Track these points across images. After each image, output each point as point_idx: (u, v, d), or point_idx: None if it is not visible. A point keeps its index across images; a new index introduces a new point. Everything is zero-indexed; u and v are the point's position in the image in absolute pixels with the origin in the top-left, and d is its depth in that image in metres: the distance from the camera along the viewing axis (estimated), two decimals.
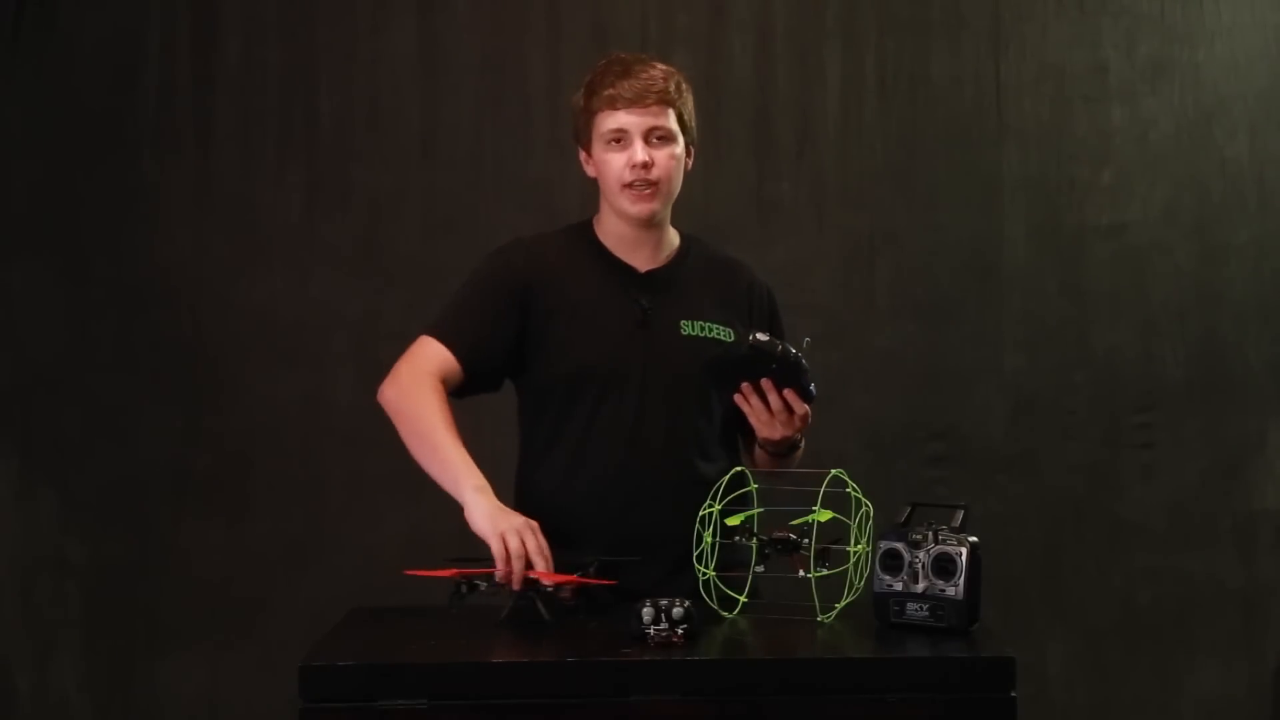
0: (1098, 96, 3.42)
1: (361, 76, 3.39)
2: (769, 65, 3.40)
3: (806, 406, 2.07)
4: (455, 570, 1.95)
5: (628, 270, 2.21)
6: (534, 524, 1.98)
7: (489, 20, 3.39)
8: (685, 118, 2.18)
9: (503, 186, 3.35)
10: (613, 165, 2.15)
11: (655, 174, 2.13)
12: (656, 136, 2.14)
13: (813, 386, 2.05)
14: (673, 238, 2.26)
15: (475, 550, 2.01)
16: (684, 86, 2.19)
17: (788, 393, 2.04)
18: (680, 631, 1.77)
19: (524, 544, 1.93)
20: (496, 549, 1.94)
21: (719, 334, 2.19)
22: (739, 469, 2.02)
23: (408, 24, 3.38)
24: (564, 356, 2.15)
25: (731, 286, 2.26)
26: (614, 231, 2.22)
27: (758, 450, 2.22)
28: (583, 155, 2.22)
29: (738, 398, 2.06)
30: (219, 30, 3.36)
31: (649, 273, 2.21)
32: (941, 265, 3.41)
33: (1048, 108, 3.42)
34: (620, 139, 2.14)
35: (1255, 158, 3.43)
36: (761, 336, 2.02)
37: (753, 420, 2.08)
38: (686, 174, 2.24)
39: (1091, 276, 3.42)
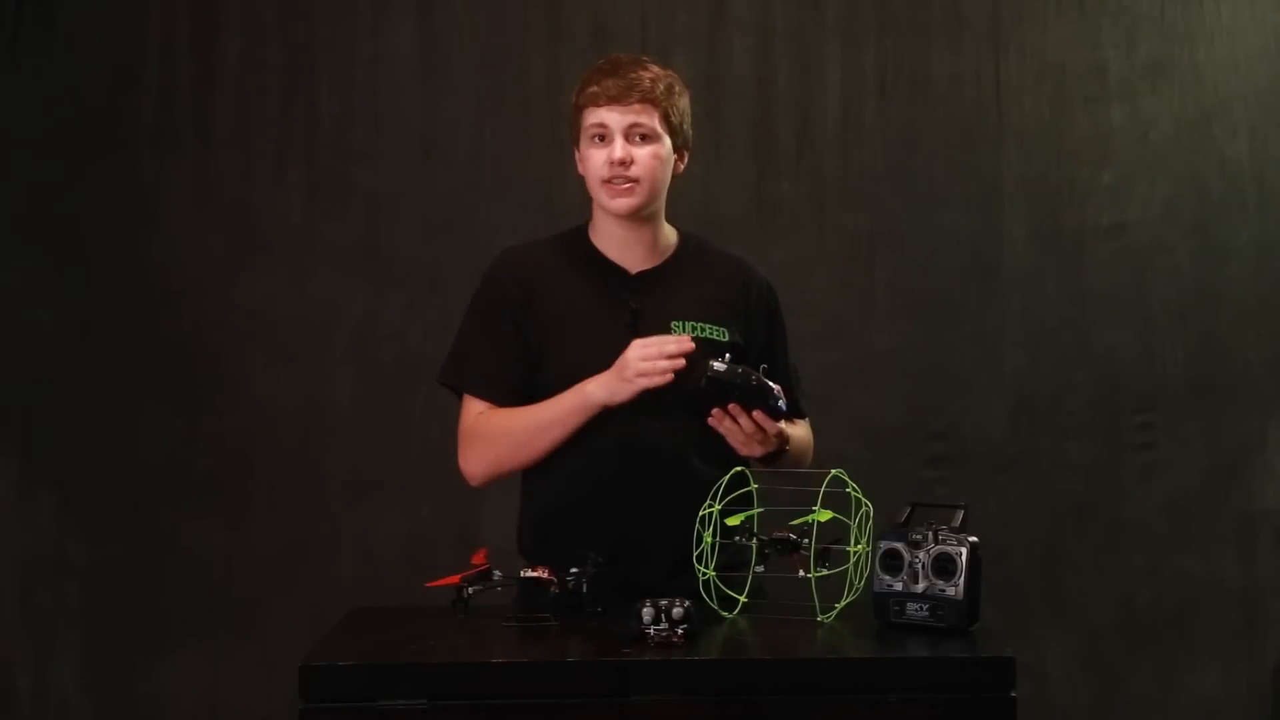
0: (1098, 96, 3.42)
1: (361, 76, 3.39)
2: (769, 65, 3.40)
3: (779, 425, 2.07)
4: (460, 575, 1.96)
5: (618, 273, 2.21)
6: (637, 344, 2.06)
7: (489, 20, 3.39)
8: (674, 119, 2.17)
9: (503, 186, 3.35)
10: (594, 161, 2.15)
11: (634, 171, 2.13)
12: (639, 135, 2.14)
13: (782, 403, 2.04)
14: (669, 236, 2.25)
15: (474, 550, 2.02)
16: (676, 88, 2.18)
17: (757, 414, 2.04)
18: (680, 631, 1.77)
19: (651, 360, 2.04)
20: (645, 384, 2.04)
21: (711, 333, 2.18)
22: (739, 469, 2.02)
23: (408, 24, 3.38)
24: (559, 364, 2.15)
25: (728, 284, 2.25)
26: (606, 233, 2.22)
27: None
28: (576, 154, 2.22)
29: (711, 420, 2.07)
30: (219, 30, 3.36)
31: (640, 274, 2.21)
32: (941, 265, 3.41)
33: (1048, 108, 3.42)
34: (603, 135, 2.14)
35: (1255, 158, 3.43)
36: (719, 366, 2.01)
37: (730, 441, 2.09)
38: (684, 175, 2.24)
39: (1091, 276, 3.42)
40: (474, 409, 2.19)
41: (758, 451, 2.08)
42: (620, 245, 2.21)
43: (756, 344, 2.21)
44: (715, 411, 2.05)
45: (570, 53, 3.31)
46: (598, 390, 2.08)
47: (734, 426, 2.05)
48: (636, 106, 2.13)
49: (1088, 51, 3.42)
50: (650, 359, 2.05)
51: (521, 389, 2.17)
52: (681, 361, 2.05)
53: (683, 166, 2.23)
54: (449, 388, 2.23)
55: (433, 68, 3.38)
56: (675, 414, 2.13)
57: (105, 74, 3.35)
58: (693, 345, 2.06)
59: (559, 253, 2.24)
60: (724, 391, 2.02)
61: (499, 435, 2.17)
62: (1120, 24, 3.42)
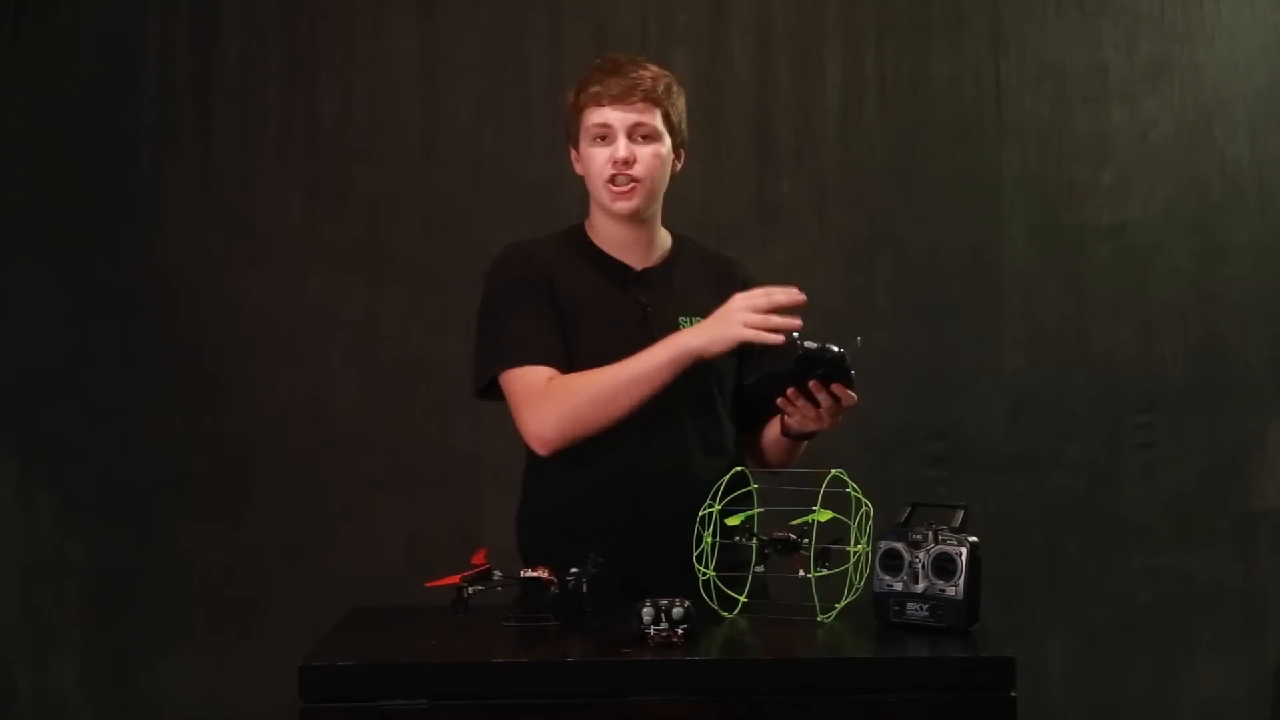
0: (1098, 96, 3.42)
1: (361, 76, 3.39)
2: (769, 65, 3.40)
3: (854, 395, 2.06)
4: (460, 575, 1.96)
5: (624, 269, 2.21)
6: (741, 296, 2.04)
7: (489, 20, 3.39)
8: (674, 118, 2.18)
9: (503, 186, 3.35)
10: (596, 160, 2.16)
11: (637, 171, 2.14)
12: (641, 135, 2.14)
13: (853, 373, 2.05)
14: (665, 237, 2.27)
15: (474, 550, 2.02)
16: (675, 88, 2.19)
17: (836, 386, 2.04)
18: (680, 631, 1.77)
19: (760, 310, 2.02)
20: (749, 337, 2.01)
21: None
22: (739, 469, 2.02)
23: (408, 24, 3.38)
24: (579, 350, 2.14)
25: (726, 281, 2.26)
26: (606, 232, 2.22)
27: (775, 440, 2.22)
28: (573, 153, 2.23)
29: (781, 401, 2.06)
30: (219, 30, 3.36)
31: (644, 270, 2.22)
32: (941, 265, 3.41)
33: (1048, 108, 3.42)
34: (605, 135, 2.15)
35: (1255, 158, 3.43)
36: (810, 345, 2.01)
37: (796, 419, 2.08)
38: (684, 174, 2.24)
39: (1091, 276, 3.42)
40: (540, 375, 2.10)
41: (826, 425, 2.08)
42: (621, 244, 2.21)
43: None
44: (790, 390, 2.04)
45: (570, 53, 3.31)
46: (694, 339, 2.05)
47: (807, 403, 2.04)
48: (639, 105, 2.13)
49: (1088, 51, 3.42)
50: (758, 309, 2.02)
51: (565, 350, 2.13)
52: (798, 322, 2.02)
53: (680, 166, 2.24)
54: (492, 381, 2.15)
55: (433, 68, 3.38)
56: (679, 411, 2.13)
57: (105, 74, 3.35)
58: (803, 298, 2.04)
59: (564, 248, 2.24)
60: (812, 368, 2.01)
61: (581, 391, 2.08)
62: (1120, 24, 3.43)
